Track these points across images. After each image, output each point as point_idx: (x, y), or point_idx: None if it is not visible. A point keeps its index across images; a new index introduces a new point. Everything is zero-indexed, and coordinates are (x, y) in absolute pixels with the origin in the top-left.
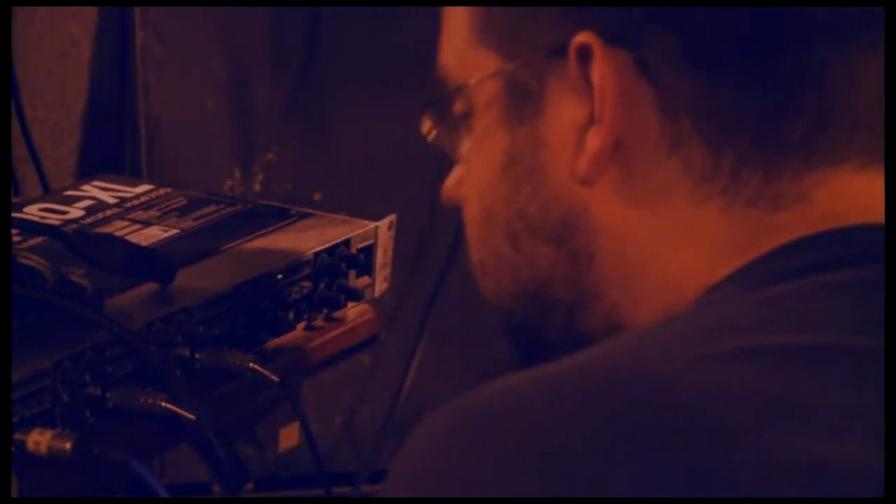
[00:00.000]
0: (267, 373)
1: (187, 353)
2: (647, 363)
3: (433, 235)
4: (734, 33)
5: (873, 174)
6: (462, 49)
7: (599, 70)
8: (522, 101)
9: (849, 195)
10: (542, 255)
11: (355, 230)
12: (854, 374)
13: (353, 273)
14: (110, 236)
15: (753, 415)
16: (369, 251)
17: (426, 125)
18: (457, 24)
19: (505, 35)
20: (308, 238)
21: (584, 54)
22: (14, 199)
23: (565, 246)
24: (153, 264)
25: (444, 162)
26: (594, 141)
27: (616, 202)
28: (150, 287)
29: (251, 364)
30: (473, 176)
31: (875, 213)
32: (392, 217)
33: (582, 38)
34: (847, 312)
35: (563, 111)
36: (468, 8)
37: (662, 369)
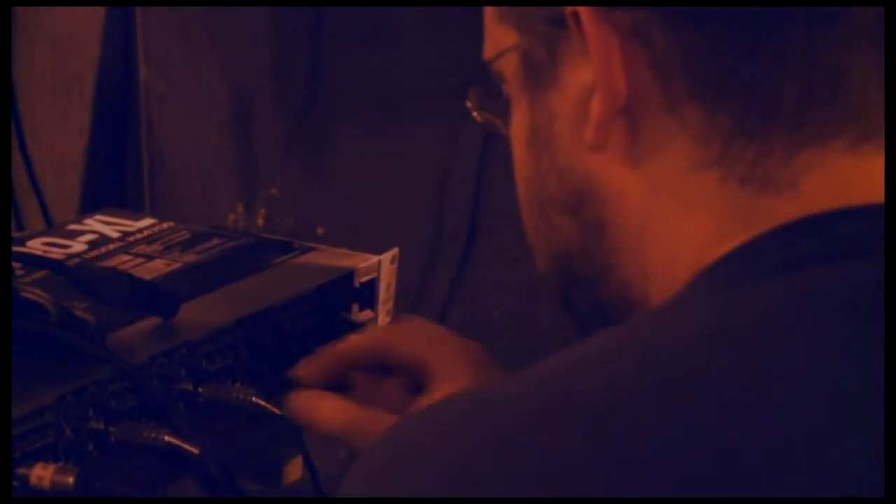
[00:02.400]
0: (270, 407)
1: (190, 388)
2: (571, 401)
3: (436, 269)
4: None
5: (867, 153)
6: (490, 26)
7: (591, 34)
8: (538, 73)
9: (838, 179)
10: (564, 227)
11: (358, 264)
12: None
13: (355, 307)
14: (113, 270)
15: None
16: (372, 285)
17: (470, 103)
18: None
19: (517, 8)
20: (311, 271)
21: (579, 20)
22: (16, 234)
23: (580, 216)
24: (156, 298)
25: (445, 196)
26: (596, 106)
27: (622, 169)
28: (152, 321)
29: (254, 398)
30: (513, 152)
31: (865, 194)
32: (395, 251)
33: (575, 4)
34: (794, 327)
35: (572, 80)
36: None
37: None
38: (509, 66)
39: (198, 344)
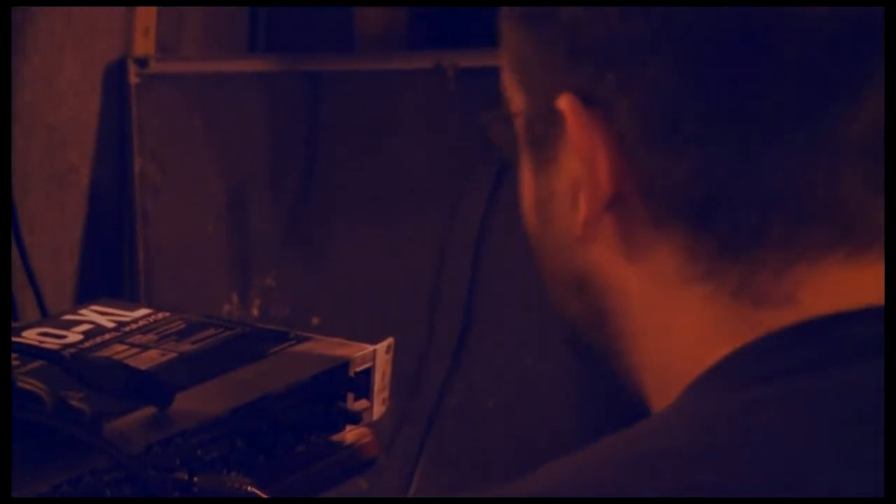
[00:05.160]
0: (265, 496)
1: (186, 477)
2: None
3: (431, 358)
4: (699, 114)
5: (867, 261)
6: (506, 77)
7: (573, 130)
8: (539, 146)
9: (835, 288)
10: (570, 306)
11: (354, 353)
12: None
13: (351, 396)
14: (109, 360)
15: None
16: (368, 374)
17: (489, 127)
18: (504, 48)
19: (525, 78)
20: (306, 361)
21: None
22: (13, 324)
23: (583, 300)
24: (151, 388)
25: (440, 286)
26: (582, 203)
27: (620, 261)
28: (148, 411)
29: (249, 487)
30: (521, 201)
31: (863, 298)
32: (390, 340)
33: (562, 99)
34: (786, 438)
35: (567, 166)
36: (510, 37)
37: None
38: (518, 124)
39: (193, 433)
